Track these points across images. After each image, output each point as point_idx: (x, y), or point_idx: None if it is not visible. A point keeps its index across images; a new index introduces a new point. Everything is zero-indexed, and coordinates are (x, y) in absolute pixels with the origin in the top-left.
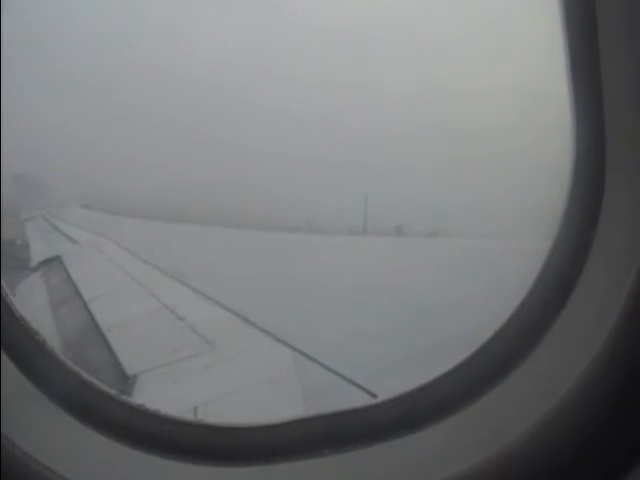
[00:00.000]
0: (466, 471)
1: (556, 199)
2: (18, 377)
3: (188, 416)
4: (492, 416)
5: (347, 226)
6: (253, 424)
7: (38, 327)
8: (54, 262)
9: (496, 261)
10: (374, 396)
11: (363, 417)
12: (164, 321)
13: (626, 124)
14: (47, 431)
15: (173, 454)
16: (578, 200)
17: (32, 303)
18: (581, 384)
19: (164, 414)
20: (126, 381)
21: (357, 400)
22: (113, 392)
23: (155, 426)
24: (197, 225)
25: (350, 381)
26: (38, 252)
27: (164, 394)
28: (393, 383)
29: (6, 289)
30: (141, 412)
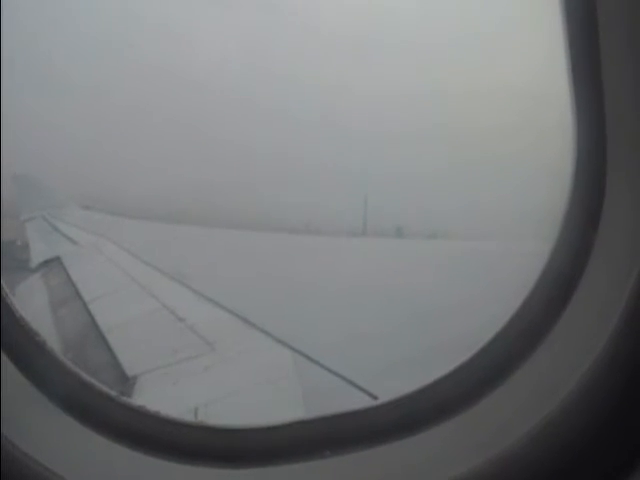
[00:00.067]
0: (466, 473)
1: (557, 201)
2: (18, 378)
3: (188, 417)
4: (493, 418)
5: (347, 227)
6: (253, 426)
7: (38, 328)
8: (54, 263)
9: (497, 263)
10: (374, 398)
11: (363, 419)
12: (164, 322)
13: (627, 125)
14: (47, 432)
15: (173, 455)
16: (579, 202)
17: (32, 304)
18: (582, 386)
19: (164, 415)
20: (126, 382)
21: (357, 402)
22: (113, 393)
23: (155, 427)
24: (197, 226)
25: (350, 382)
26: (38, 253)
27: (164, 395)
28: (393, 385)
29: (6, 290)
30: (141, 413)
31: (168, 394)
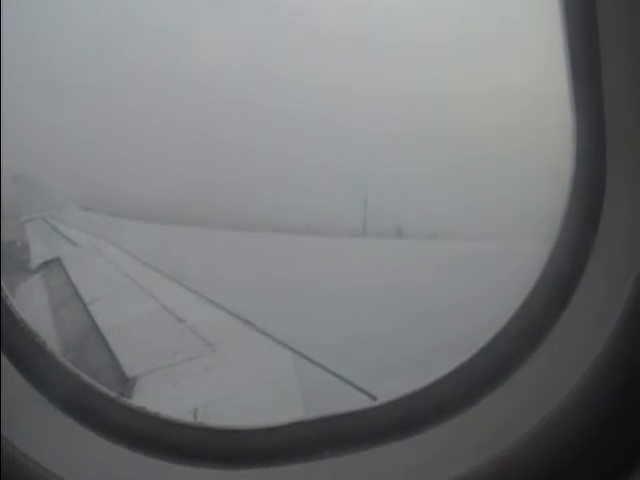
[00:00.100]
0: (466, 474)
1: (556, 201)
2: (18, 379)
3: (188, 418)
4: (492, 418)
5: (347, 228)
6: (253, 427)
7: (38, 329)
8: (54, 264)
9: (497, 263)
10: (374, 398)
11: (363, 419)
12: (164, 323)
13: (627, 125)
14: (47, 433)
15: (173, 457)
16: (579, 202)
17: (32, 305)
18: (582, 386)
19: (164, 416)
20: (126, 383)
21: (357, 402)
22: (113, 394)
23: (155, 428)
24: (197, 227)
25: (350, 383)
26: (38, 254)
27: (164, 396)
28: (393, 385)
29: (6, 291)
30: (141, 414)
31: (168, 395)
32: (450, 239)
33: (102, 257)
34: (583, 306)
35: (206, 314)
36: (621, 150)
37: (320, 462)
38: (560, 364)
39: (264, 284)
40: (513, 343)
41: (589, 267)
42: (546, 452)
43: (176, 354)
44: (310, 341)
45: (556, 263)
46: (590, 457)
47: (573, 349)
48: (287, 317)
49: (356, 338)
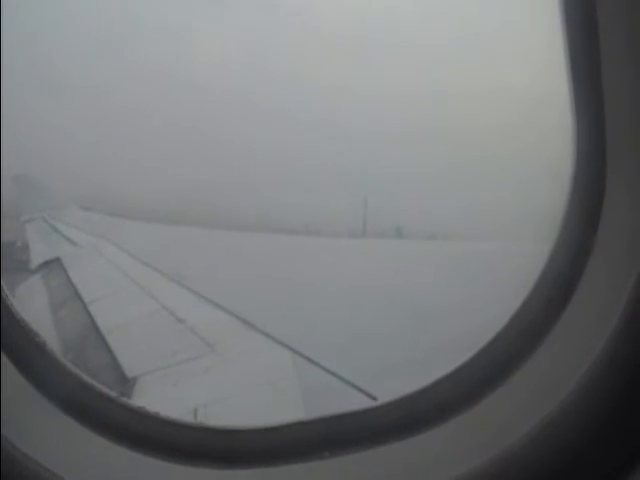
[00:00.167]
0: (467, 474)
1: (556, 202)
2: (18, 379)
3: (188, 418)
4: (493, 419)
5: (347, 228)
6: (253, 427)
7: (38, 329)
8: (54, 264)
9: (497, 264)
10: (374, 399)
11: (363, 420)
12: (164, 323)
13: (627, 127)
14: (47, 433)
15: (173, 457)
16: (579, 203)
17: (32, 305)
18: (582, 387)
19: (164, 416)
20: (126, 383)
21: (357, 402)
22: (113, 394)
23: (155, 428)
24: (197, 227)
25: (350, 383)
26: (38, 254)
27: (164, 396)
28: (393, 385)
29: (6, 290)
30: (141, 414)
31: (168, 395)
32: (450, 239)
33: (102, 257)
34: (583, 306)
35: (206, 314)
36: (621, 151)
37: (320, 462)
38: (560, 364)
39: (264, 284)
40: (513, 343)
41: (589, 268)
42: (546, 452)
43: (176, 354)
44: (310, 341)
45: (556, 263)
46: (590, 457)
47: (573, 349)
48: (287, 317)
49: (356, 338)
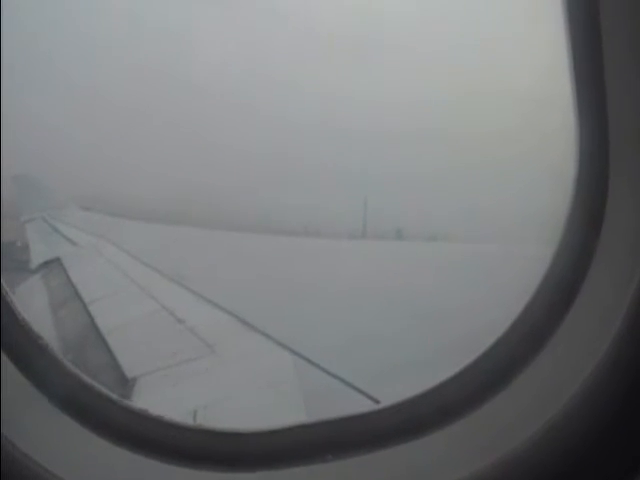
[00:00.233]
0: (469, 477)
1: (559, 204)
2: (18, 378)
3: (187, 419)
4: (495, 422)
5: (347, 229)
6: (255, 429)
7: (38, 329)
8: (54, 264)
9: (498, 266)
10: (375, 401)
11: (366, 423)
12: (164, 324)
13: (629, 128)
14: (47, 433)
15: (174, 459)
16: (581, 205)
17: (32, 305)
18: (585, 390)
19: (166, 419)
20: (126, 384)
21: (358, 405)
22: (114, 395)
23: (156, 430)
24: (197, 228)
25: (351, 386)
26: (38, 254)
27: (164, 397)
28: (394, 388)
29: (6, 290)
30: (142, 416)
31: (167, 396)
32: (450, 241)
33: (102, 257)
34: (586, 309)
35: (206, 315)
36: (624, 153)
37: (323, 465)
38: (563, 367)
39: (264, 285)
40: (516, 347)
41: (592, 270)
42: (549, 456)
43: (176, 355)
44: (310, 343)
45: (559, 266)
46: (593, 460)
47: (576, 352)
48: (287, 318)
49: (356, 340)
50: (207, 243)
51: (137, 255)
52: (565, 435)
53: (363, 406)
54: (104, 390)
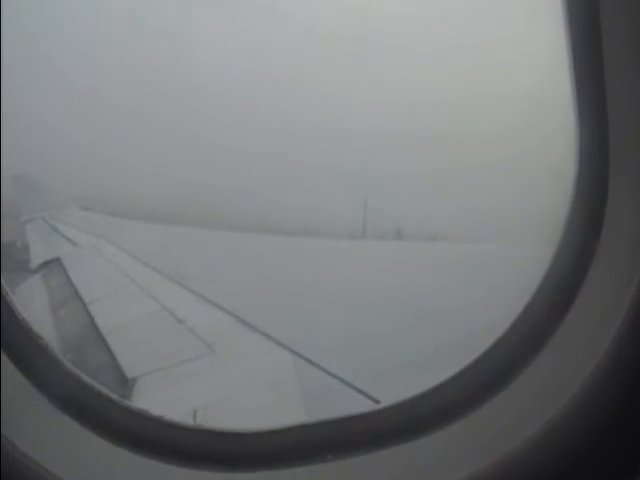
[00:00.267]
0: (469, 477)
1: (559, 204)
2: (18, 378)
3: (187, 419)
4: (495, 422)
5: (347, 230)
6: (255, 429)
7: (38, 329)
8: (54, 264)
9: (498, 266)
10: (375, 401)
11: (366, 423)
12: (164, 324)
13: (629, 128)
14: (47, 433)
15: (174, 459)
16: (581, 205)
17: (32, 305)
18: (585, 390)
19: (166, 419)
20: (126, 384)
21: (358, 404)
22: (114, 395)
23: (156, 430)
24: (197, 228)
25: (351, 386)
26: (38, 254)
27: (164, 397)
28: (394, 388)
29: (6, 289)
30: (142, 416)
31: (167, 396)
32: (450, 241)
33: (102, 257)
34: (586, 309)
35: (206, 315)
36: (624, 153)
37: (323, 465)
38: (563, 368)
39: (264, 285)
40: (516, 347)
41: (592, 270)
42: (549, 456)
43: (176, 355)
44: (309, 343)
45: (559, 266)
46: (593, 461)
47: (576, 353)
48: (287, 318)
49: (356, 340)
50: (207, 243)
51: (137, 255)
52: (565, 435)
53: (363, 406)
54: (104, 390)
